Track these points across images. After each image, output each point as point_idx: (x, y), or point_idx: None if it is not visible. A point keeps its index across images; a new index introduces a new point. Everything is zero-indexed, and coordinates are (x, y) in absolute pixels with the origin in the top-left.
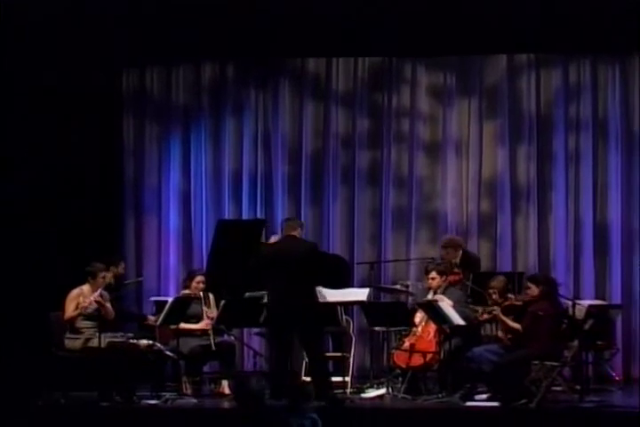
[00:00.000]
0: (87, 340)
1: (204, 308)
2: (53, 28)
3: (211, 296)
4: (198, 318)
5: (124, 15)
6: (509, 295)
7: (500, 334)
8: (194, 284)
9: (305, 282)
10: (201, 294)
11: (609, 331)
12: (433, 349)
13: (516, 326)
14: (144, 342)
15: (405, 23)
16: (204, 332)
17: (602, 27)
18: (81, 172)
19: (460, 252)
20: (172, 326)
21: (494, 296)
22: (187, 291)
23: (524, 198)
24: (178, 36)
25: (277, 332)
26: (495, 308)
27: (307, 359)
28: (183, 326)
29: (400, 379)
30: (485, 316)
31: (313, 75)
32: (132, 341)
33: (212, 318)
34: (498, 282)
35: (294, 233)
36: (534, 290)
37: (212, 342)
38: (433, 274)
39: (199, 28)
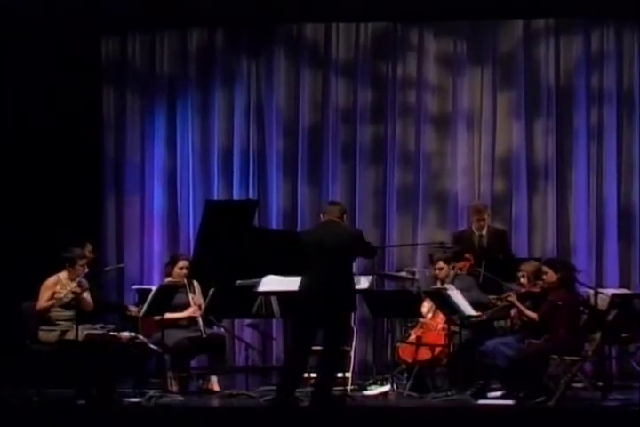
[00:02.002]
0: (63, 332)
1: (190, 294)
2: None
3: (195, 283)
4: (184, 308)
5: None
6: (539, 282)
7: (512, 313)
8: (176, 270)
9: (344, 271)
10: (185, 280)
11: (634, 322)
12: (442, 342)
13: (532, 314)
14: (125, 334)
15: None
16: (191, 321)
17: None
18: (56, 149)
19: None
20: (157, 317)
21: (522, 280)
22: (169, 278)
23: (541, 177)
24: (162, 0)
25: (306, 323)
26: (510, 293)
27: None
28: (168, 315)
29: (406, 375)
30: (498, 303)
31: (310, 42)
32: (112, 333)
33: (199, 305)
34: (530, 266)
35: (335, 218)
36: (552, 276)
37: (203, 329)
38: (440, 264)
39: None
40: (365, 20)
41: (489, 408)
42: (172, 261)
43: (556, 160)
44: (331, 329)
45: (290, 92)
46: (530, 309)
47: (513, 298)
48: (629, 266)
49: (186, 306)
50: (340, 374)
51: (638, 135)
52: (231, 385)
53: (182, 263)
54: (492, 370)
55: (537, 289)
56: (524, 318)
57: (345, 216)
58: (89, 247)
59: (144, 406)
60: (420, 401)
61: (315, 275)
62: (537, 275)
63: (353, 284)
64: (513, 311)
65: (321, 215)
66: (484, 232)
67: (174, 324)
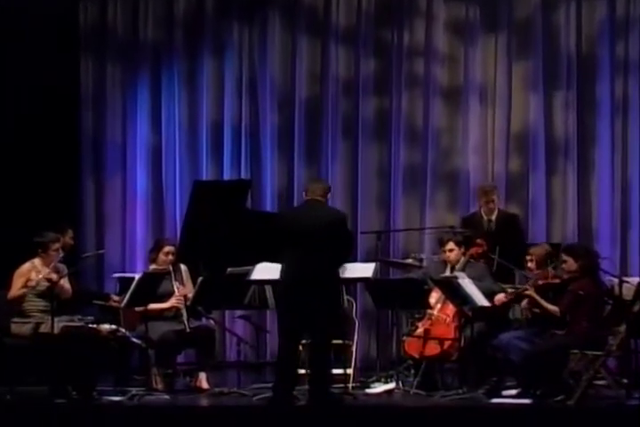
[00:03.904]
0: (38, 324)
1: (175, 283)
2: None
3: (183, 268)
4: (169, 297)
5: None
6: (549, 269)
7: (523, 304)
8: (161, 256)
9: (328, 256)
10: (170, 267)
11: None
12: (451, 335)
13: (554, 308)
14: (106, 326)
15: None
16: (177, 312)
17: None
18: (28, 125)
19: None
20: (140, 308)
21: (530, 264)
22: (154, 265)
23: (560, 155)
24: None
25: (290, 314)
26: (527, 286)
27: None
28: (152, 306)
29: (412, 371)
30: (510, 296)
31: (308, 7)
32: (91, 325)
33: (184, 295)
34: (540, 249)
35: (318, 197)
36: (572, 264)
37: (186, 322)
38: (450, 245)
39: None
40: None
41: (503, 408)
42: (157, 247)
43: (577, 137)
44: (317, 321)
45: (286, 61)
46: (549, 301)
47: (531, 291)
48: None
49: (171, 295)
50: (340, 371)
51: None
52: (221, 383)
53: (168, 249)
54: (507, 366)
55: (556, 280)
56: (537, 311)
57: (329, 196)
58: (70, 234)
59: (126, 405)
60: (428, 400)
61: (296, 261)
62: (547, 260)
63: (337, 271)
64: (523, 303)
65: (303, 194)
66: (494, 217)
67: (159, 315)
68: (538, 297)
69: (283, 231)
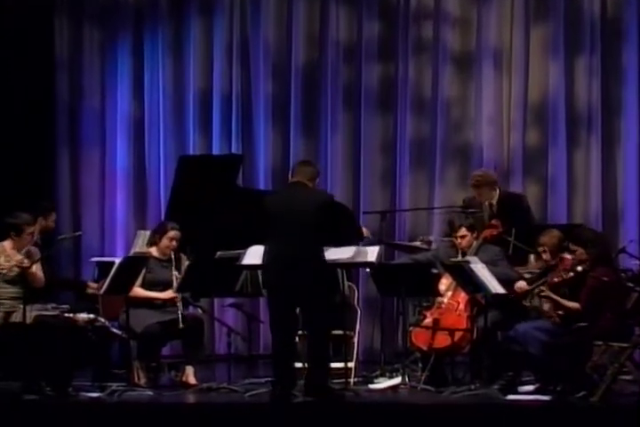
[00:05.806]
0: (8, 313)
1: (175, 273)
2: None
3: (183, 258)
4: (165, 286)
5: None
6: (565, 255)
7: (546, 307)
8: (165, 241)
9: (313, 241)
10: (172, 255)
11: None
12: (463, 325)
13: (573, 304)
14: (83, 315)
15: None
16: (169, 303)
17: None
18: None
19: (497, 191)
20: (127, 295)
21: (544, 256)
22: (153, 248)
23: (583, 127)
24: None
25: (277, 302)
26: (542, 288)
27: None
28: (141, 292)
29: (420, 365)
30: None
31: None
32: (67, 314)
33: None
34: (550, 238)
35: (305, 181)
36: (581, 253)
37: (181, 318)
38: (462, 231)
39: None
40: None
41: (520, 405)
42: (162, 230)
43: (601, 106)
44: (307, 309)
45: (281, 24)
46: (567, 297)
47: (547, 292)
48: None
49: (169, 285)
50: (341, 365)
51: None
52: (210, 377)
53: (173, 234)
54: (524, 359)
55: (570, 275)
56: (560, 313)
57: (317, 181)
58: (53, 216)
59: (105, 402)
60: (437, 397)
61: (278, 246)
62: (560, 246)
63: (322, 256)
64: (547, 306)
65: (289, 176)
66: (495, 200)
67: (148, 303)
68: (555, 297)
69: (266, 215)
